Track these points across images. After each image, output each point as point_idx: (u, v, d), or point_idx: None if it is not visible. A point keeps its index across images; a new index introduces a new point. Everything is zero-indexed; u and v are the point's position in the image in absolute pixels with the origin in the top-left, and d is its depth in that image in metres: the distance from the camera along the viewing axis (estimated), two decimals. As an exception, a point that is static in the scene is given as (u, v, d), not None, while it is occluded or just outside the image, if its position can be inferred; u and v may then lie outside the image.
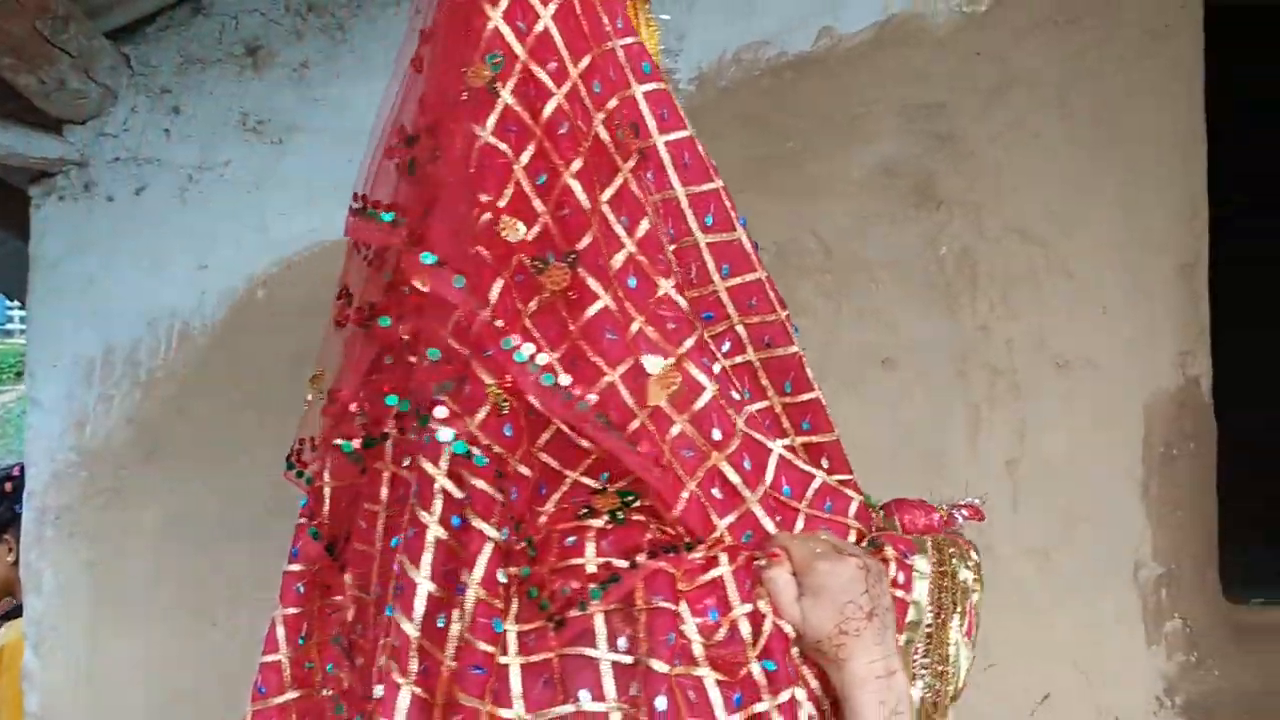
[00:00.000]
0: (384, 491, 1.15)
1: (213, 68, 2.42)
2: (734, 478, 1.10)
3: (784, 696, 1.03)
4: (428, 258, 1.04)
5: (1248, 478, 2.91)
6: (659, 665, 1.00)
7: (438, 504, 1.04)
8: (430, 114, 1.12)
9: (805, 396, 1.20)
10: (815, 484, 1.16)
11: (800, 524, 1.13)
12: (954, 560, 1.15)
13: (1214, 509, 2.46)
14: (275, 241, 2.39)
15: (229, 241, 2.40)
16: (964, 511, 1.22)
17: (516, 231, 1.05)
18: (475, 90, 1.06)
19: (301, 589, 1.22)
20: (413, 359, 1.13)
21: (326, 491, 1.22)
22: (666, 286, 1.10)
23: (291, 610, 1.22)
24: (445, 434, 1.03)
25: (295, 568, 1.23)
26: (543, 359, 1.04)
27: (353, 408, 1.19)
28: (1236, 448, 2.61)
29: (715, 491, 1.09)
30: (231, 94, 2.42)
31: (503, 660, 1.02)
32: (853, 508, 1.18)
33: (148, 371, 2.38)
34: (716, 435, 1.09)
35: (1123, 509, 2.40)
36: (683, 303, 1.11)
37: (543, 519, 1.06)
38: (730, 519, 1.09)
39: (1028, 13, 2.47)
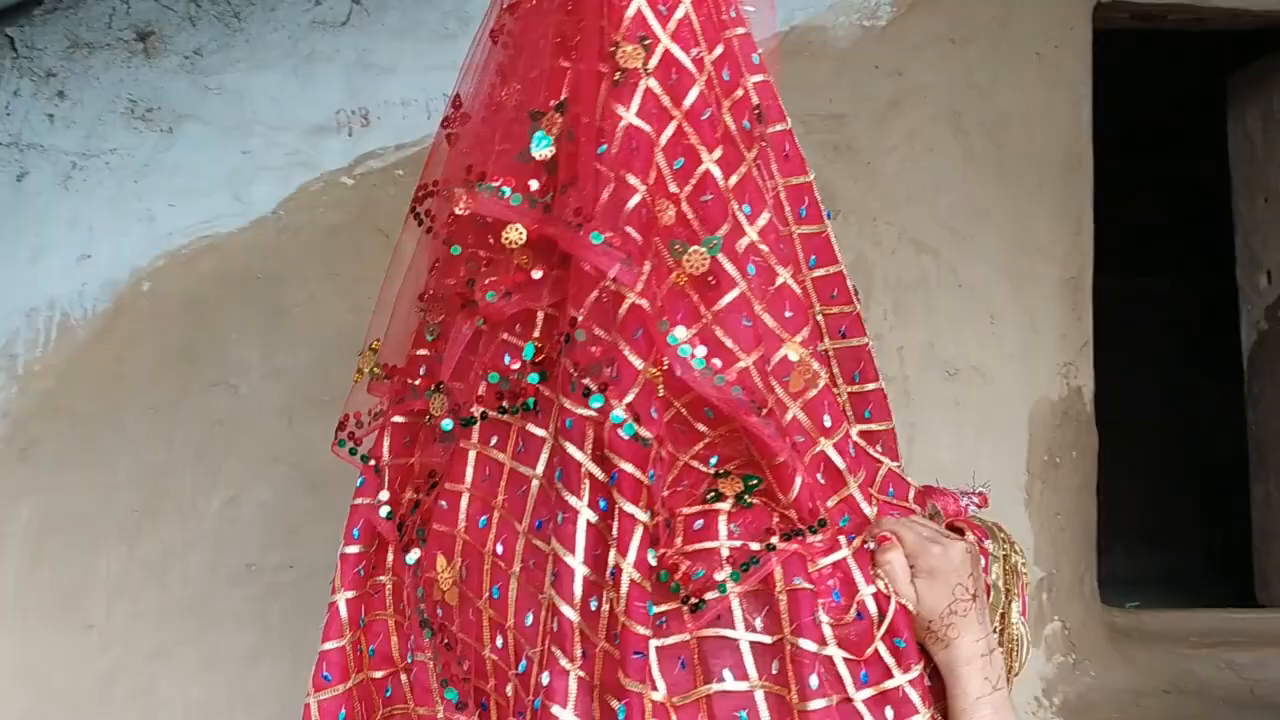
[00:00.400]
0: (469, 472, 1.15)
1: (101, 52, 2.35)
2: (839, 463, 1.13)
3: (914, 672, 1.08)
4: (597, 238, 1.04)
5: (1124, 485, 3.01)
6: (809, 644, 1.03)
7: (586, 488, 1.05)
8: (549, 89, 1.12)
9: (870, 386, 1.25)
10: (883, 470, 1.20)
11: (874, 509, 1.17)
12: (1005, 545, 1.19)
13: (1093, 515, 2.55)
14: (162, 233, 2.33)
15: (113, 232, 2.32)
16: (975, 499, 1.26)
17: (668, 215, 1.07)
18: (628, 72, 1.07)
19: (361, 571, 1.22)
20: (505, 336, 1.13)
21: (386, 470, 1.21)
22: (785, 275, 1.13)
23: (351, 594, 1.22)
24: (618, 414, 1.03)
25: (353, 550, 1.22)
26: (692, 343, 1.06)
27: (413, 381, 1.19)
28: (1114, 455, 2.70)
29: (820, 476, 1.11)
30: (120, 80, 2.35)
31: None
32: (911, 493, 1.21)
33: (24, 364, 2.29)
34: (827, 422, 1.12)
35: (1007, 514, 2.45)
36: (799, 292, 1.14)
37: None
38: (831, 503, 1.12)
39: (924, 29, 2.52)
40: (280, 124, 2.35)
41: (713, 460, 1.10)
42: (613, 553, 1.03)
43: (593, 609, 1.04)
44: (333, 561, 2.28)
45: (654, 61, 1.08)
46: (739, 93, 1.15)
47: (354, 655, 1.21)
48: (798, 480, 1.08)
